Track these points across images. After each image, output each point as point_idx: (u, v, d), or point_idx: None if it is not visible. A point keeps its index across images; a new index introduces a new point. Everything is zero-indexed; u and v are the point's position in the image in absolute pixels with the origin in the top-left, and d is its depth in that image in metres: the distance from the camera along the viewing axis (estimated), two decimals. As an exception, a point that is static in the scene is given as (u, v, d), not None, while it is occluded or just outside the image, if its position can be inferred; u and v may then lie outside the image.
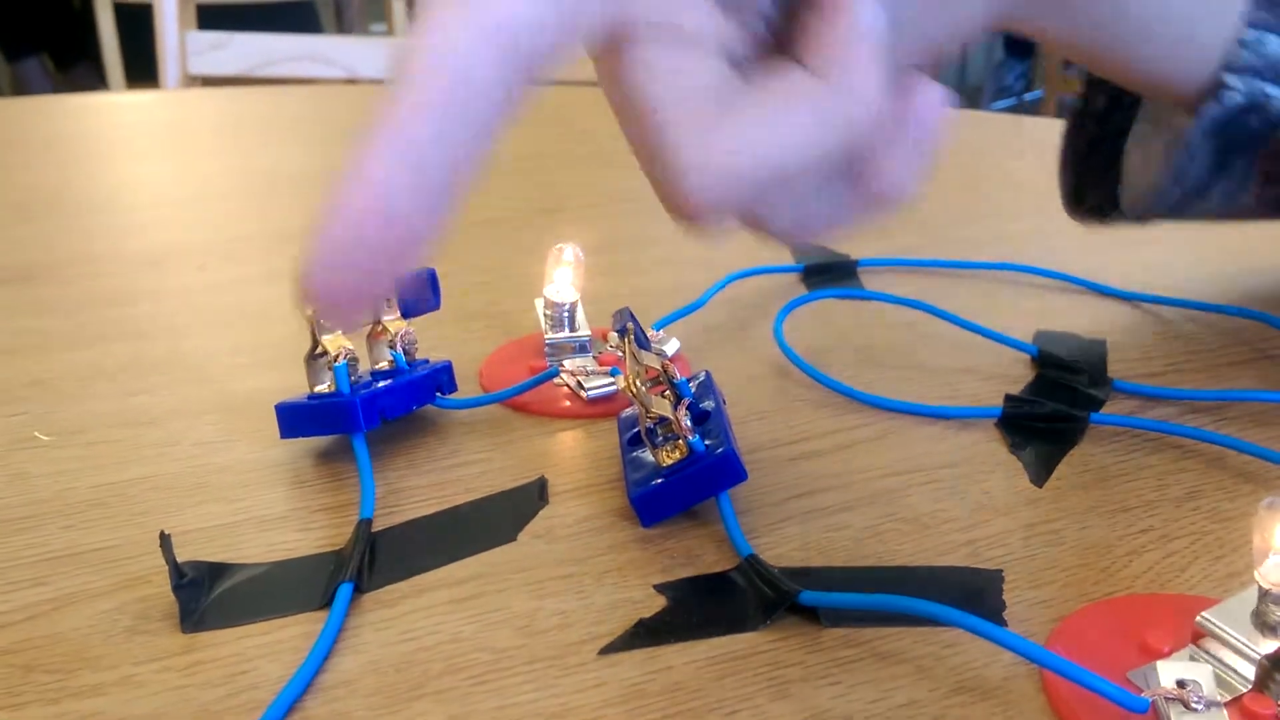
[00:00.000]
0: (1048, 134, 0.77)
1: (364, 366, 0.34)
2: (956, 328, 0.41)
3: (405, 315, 0.34)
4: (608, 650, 0.25)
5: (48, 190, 0.63)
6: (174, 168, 0.69)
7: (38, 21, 2.61)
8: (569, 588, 0.27)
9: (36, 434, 0.34)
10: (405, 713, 0.23)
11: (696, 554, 0.28)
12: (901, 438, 0.34)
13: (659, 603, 0.26)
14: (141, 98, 0.98)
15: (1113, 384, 0.36)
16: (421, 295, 0.34)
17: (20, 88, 2.67)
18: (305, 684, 0.23)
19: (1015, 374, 0.38)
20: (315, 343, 0.32)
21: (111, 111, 0.91)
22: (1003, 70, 4.38)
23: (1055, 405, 0.34)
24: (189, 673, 0.24)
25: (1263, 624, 0.23)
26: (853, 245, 0.50)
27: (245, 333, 0.41)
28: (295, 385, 0.34)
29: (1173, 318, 0.43)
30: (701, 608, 0.26)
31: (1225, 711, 0.21)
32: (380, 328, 0.34)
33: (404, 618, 0.26)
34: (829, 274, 0.46)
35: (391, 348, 0.34)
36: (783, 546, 0.29)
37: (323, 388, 0.32)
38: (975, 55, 4.96)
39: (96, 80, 2.53)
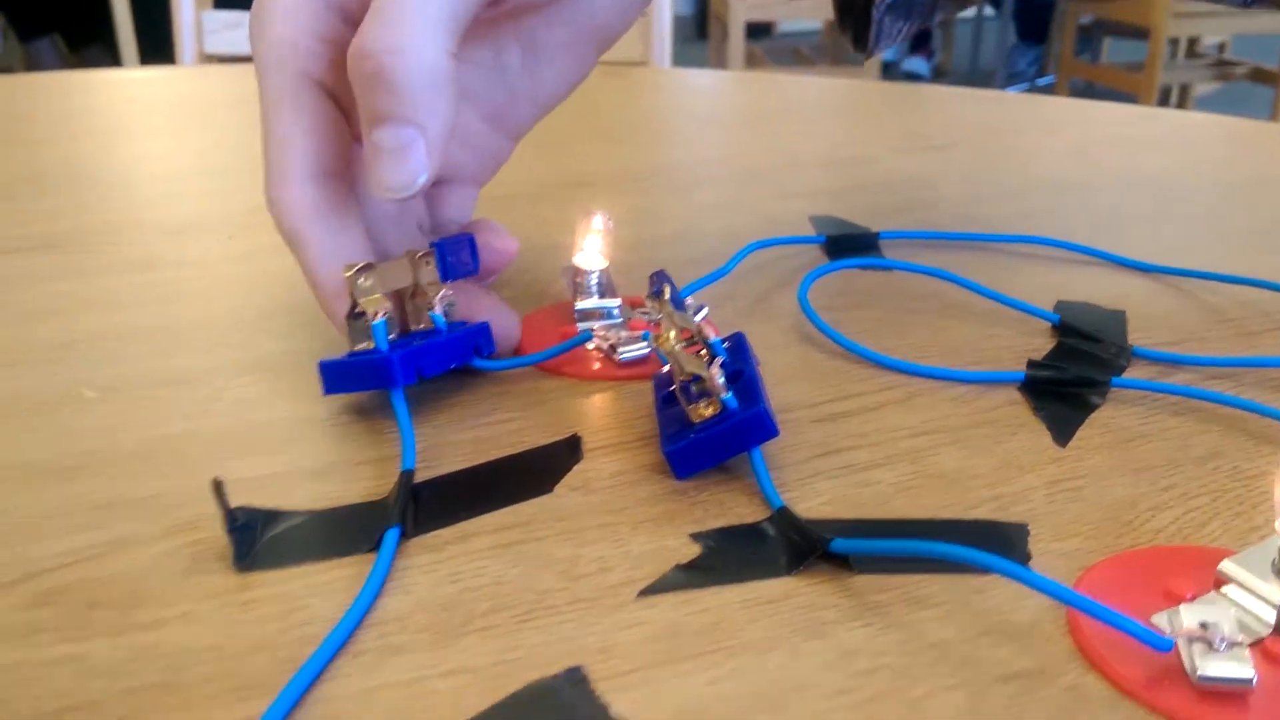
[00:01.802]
0: (1063, 114, 0.78)
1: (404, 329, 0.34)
2: (978, 297, 0.41)
3: (444, 278, 0.34)
4: (647, 592, 0.26)
5: (67, 163, 0.64)
6: (191, 142, 0.70)
7: (51, 1, 2.61)
8: (606, 536, 0.28)
9: (83, 390, 0.35)
10: (454, 647, 0.24)
11: (729, 506, 0.29)
12: (927, 400, 0.35)
13: (694, 550, 0.27)
14: (157, 73, 0.98)
15: (1133, 351, 0.37)
16: (461, 259, 0.35)
17: (33, 67, 2.68)
18: (358, 619, 0.24)
19: (1037, 343, 0.39)
20: (354, 303, 0.33)
21: (127, 87, 0.92)
22: (1015, 55, 4.37)
23: (1078, 370, 0.35)
24: (245, 609, 0.25)
25: (1282, 571, 0.24)
26: (873, 221, 0.51)
27: (274, 297, 0.42)
28: (326, 346, 0.35)
29: (1193, 289, 0.44)
30: (735, 555, 0.27)
31: (1247, 651, 0.22)
32: (420, 290, 0.34)
33: (449, 561, 0.27)
34: (850, 246, 0.47)
35: (431, 310, 0.34)
36: (812, 500, 0.29)
37: (363, 346, 0.33)
38: (987, 40, 4.96)
39: (109, 60, 2.54)
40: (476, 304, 0.36)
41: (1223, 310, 0.42)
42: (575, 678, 0.23)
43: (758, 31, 4.72)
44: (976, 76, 4.50)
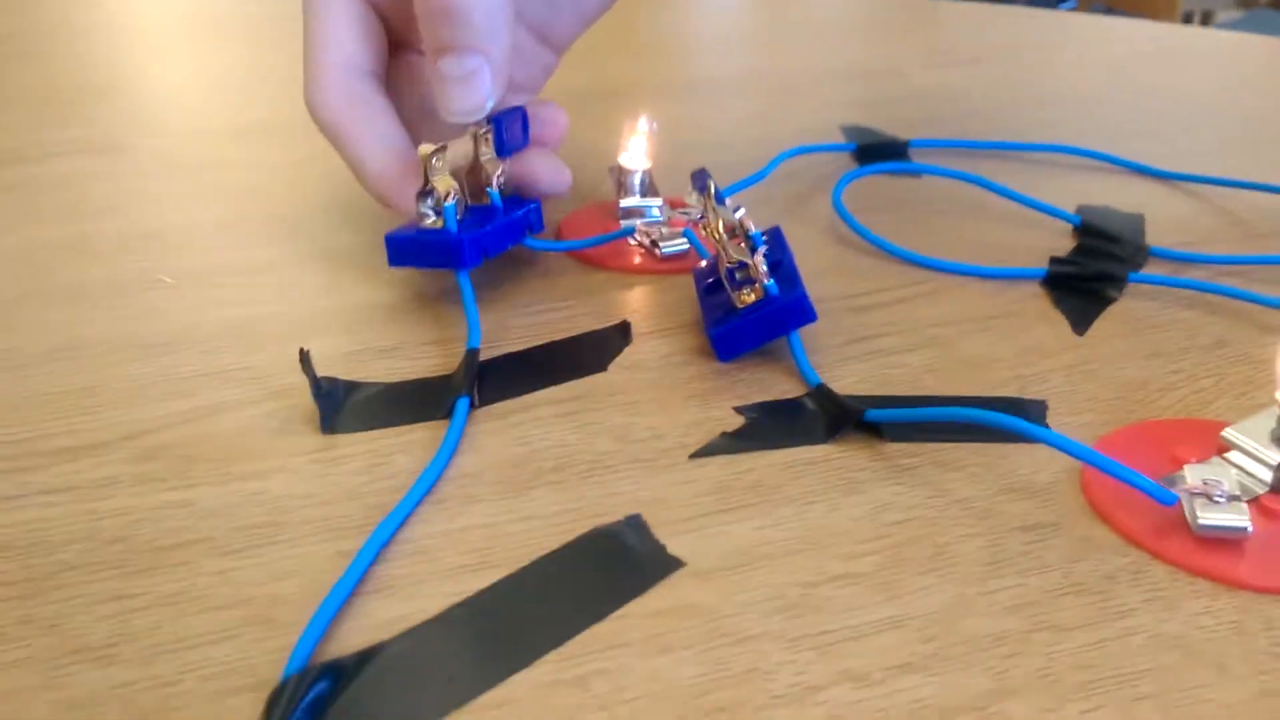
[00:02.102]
0: (1090, 30, 0.79)
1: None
2: (1003, 200, 0.43)
3: (501, 153, 0.36)
4: (697, 455, 0.28)
5: (112, 73, 0.66)
6: (241, 54, 0.72)
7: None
8: (657, 408, 0.30)
9: (161, 277, 0.37)
10: (525, 497, 0.26)
11: (770, 384, 0.31)
12: (954, 294, 0.37)
13: (738, 421, 0.30)
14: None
15: (1149, 250, 0.39)
16: (514, 133, 0.37)
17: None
18: (440, 471, 0.27)
19: (1059, 243, 0.41)
20: (426, 180, 0.34)
21: (157, 2, 0.93)
22: (1038, -20, 4.31)
23: (1097, 267, 0.37)
24: (334, 464, 0.28)
25: (1278, 439, 0.26)
26: (902, 130, 0.52)
27: (333, 195, 0.44)
28: (380, 242, 0.37)
29: (1208, 195, 0.45)
30: (777, 425, 0.30)
31: (1244, 505, 0.24)
32: (478, 165, 0.36)
33: (515, 428, 0.29)
34: (881, 153, 0.49)
35: (488, 186, 0.36)
36: (846, 380, 0.32)
37: (430, 223, 0.35)
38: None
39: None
40: (526, 157, 0.38)
41: (1235, 214, 0.43)
42: (635, 522, 0.26)
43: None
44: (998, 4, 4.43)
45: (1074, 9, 3.73)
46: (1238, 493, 0.25)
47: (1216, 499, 0.24)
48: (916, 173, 0.47)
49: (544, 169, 0.38)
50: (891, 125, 0.54)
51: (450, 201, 0.34)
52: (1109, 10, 3.97)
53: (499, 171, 0.36)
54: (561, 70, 0.42)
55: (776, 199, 0.45)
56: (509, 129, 0.36)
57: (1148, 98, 0.60)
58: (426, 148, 0.34)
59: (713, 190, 0.33)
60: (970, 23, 0.83)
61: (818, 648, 0.22)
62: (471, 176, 0.37)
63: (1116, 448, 0.28)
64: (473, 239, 0.34)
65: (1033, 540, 0.25)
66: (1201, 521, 0.24)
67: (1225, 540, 0.24)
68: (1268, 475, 0.26)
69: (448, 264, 0.34)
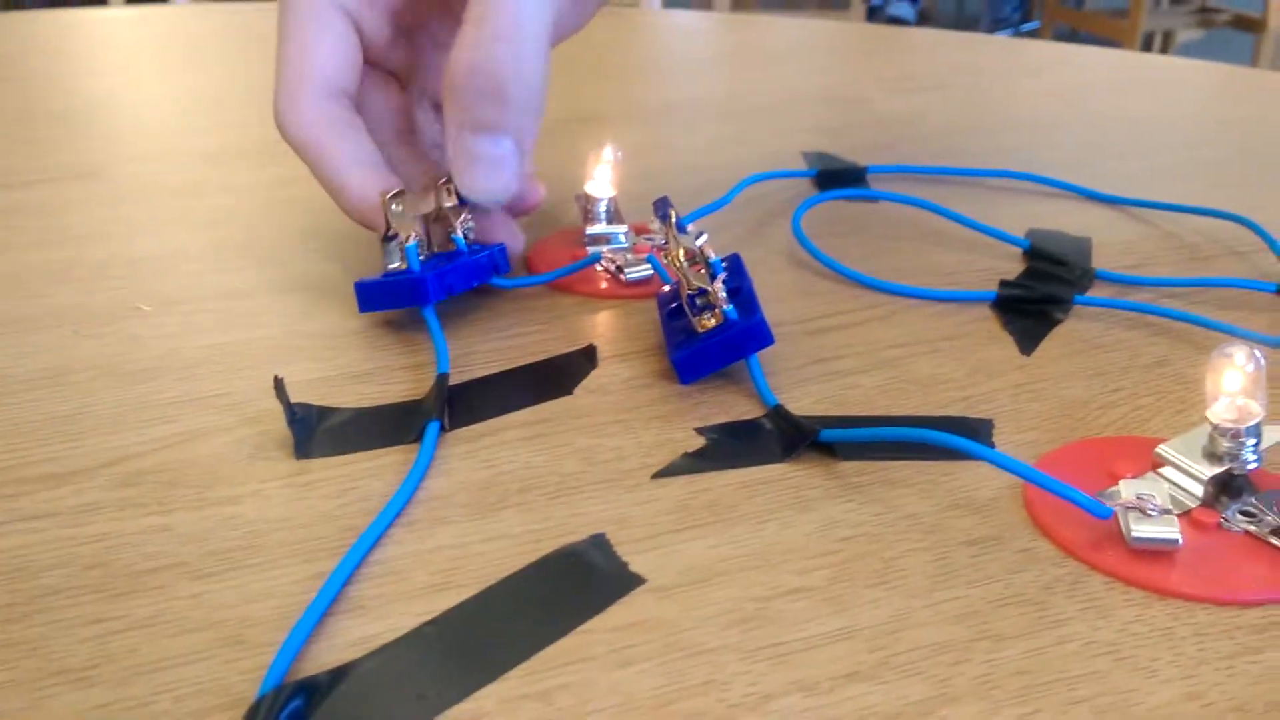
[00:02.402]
0: (1046, 57, 0.81)
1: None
2: (956, 225, 0.45)
3: (464, 202, 0.37)
4: (659, 475, 0.29)
5: (84, 99, 0.66)
6: (208, 77, 0.73)
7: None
8: (621, 430, 0.31)
9: (139, 305, 0.38)
10: (493, 518, 0.27)
11: (729, 406, 0.33)
12: (907, 316, 0.38)
13: (699, 441, 0.31)
14: (147, 11, 1.00)
15: (1095, 273, 0.40)
16: None
17: (13, 5, 2.65)
18: (410, 494, 0.28)
19: (1009, 266, 0.42)
20: (388, 226, 0.36)
21: (118, 25, 0.93)
22: (1000, 1, 4.36)
23: (1045, 289, 0.39)
24: (307, 488, 0.29)
25: (1211, 454, 0.28)
26: (862, 156, 0.54)
27: (312, 221, 0.45)
28: (361, 268, 0.38)
29: (1154, 219, 0.47)
30: (735, 445, 0.31)
31: (1175, 518, 0.26)
32: (442, 214, 0.38)
33: (484, 450, 0.30)
34: (840, 179, 0.50)
35: (452, 232, 0.38)
36: (803, 401, 0.33)
37: (395, 266, 0.36)
38: (975, -15, 4.93)
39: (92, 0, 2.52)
40: (487, 221, 0.39)
41: (1180, 237, 0.45)
42: (599, 541, 0.27)
43: (748, -28, 4.69)
44: (962, 21, 4.49)
45: (1037, 28, 3.79)
46: (1170, 506, 0.26)
47: (1149, 512, 0.26)
48: (873, 198, 0.48)
49: (501, 233, 0.39)
50: (854, 151, 0.55)
51: (412, 242, 0.35)
52: (1073, 31, 4.04)
53: (462, 219, 0.37)
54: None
55: (738, 224, 0.46)
56: None
57: (1102, 123, 0.62)
58: (385, 193, 0.35)
59: (674, 219, 0.35)
60: (930, 50, 0.85)
61: (771, 659, 0.23)
62: (437, 224, 0.38)
63: (1057, 464, 0.29)
64: (436, 276, 0.35)
65: (976, 553, 0.26)
66: (1134, 534, 0.25)
67: (1157, 551, 0.26)
68: (1199, 489, 0.27)
69: (413, 302, 0.35)
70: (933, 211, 0.46)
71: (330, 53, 0.36)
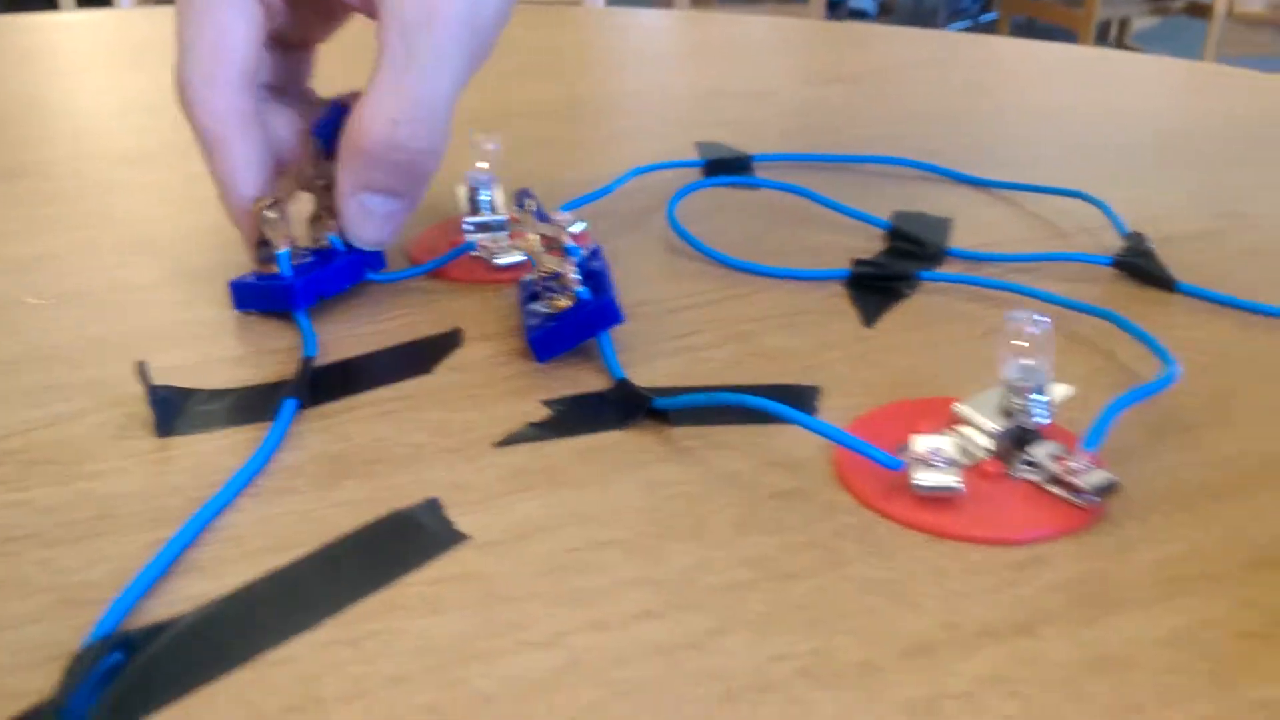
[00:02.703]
0: (968, 50, 0.83)
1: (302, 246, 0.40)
2: (828, 209, 0.47)
3: (328, 156, 0.38)
4: (501, 443, 0.31)
5: (18, 101, 0.68)
6: (136, 80, 0.74)
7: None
8: (474, 405, 0.33)
9: (26, 298, 0.40)
10: (337, 488, 0.29)
11: (580, 380, 0.35)
12: (766, 295, 0.40)
13: (545, 413, 0.33)
14: (97, 15, 1.01)
15: (947, 251, 0.42)
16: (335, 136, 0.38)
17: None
18: (259, 467, 0.30)
19: (873, 246, 0.44)
20: (262, 232, 0.38)
21: (69, 29, 0.95)
22: (958, -7, 4.42)
23: (895, 267, 0.41)
24: (166, 463, 0.30)
25: (1004, 411, 0.30)
26: (761, 145, 0.56)
27: (208, 218, 0.47)
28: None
29: (1019, 200, 0.49)
30: (579, 415, 0.33)
31: (958, 471, 0.28)
32: (319, 214, 0.39)
33: (338, 426, 0.32)
34: (727, 167, 0.52)
35: (329, 232, 0.39)
36: (653, 375, 0.35)
37: (270, 269, 0.38)
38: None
39: (44, 5, 2.52)
40: None
41: (1043, 216, 0.47)
42: (431, 504, 0.28)
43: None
44: (920, 13, 4.53)
45: (995, 19, 3.83)
46: (960, 458, 0.28)
47: (936, 464, 0.28)
48: (754, 185, 0.50)
49: None
50: (752, 139, 0.57)
51: (284, 249, 0.37)
52: (1030, 21, 4.08)
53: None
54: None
55: (626, 211, 0.48)
56: (328, 132, 0.38)
57: (1000, 112, 0.64)
58: (259, 201, 0.37)
59: (530, 207, 0.37)
60: (862, 44, 0.87)
61: (572, 603, 0.25)
62: (315, 225, 0.39)
63: (868, 424, 0.31)
64: (306, 283, 0.37)
65: (780, 507, 0.28)
66: (917, 483, 0.27)
67: (942, 499, 0.28)
68: (988, 443, 0.29)
69: (285, 307, 0.37)
70: (805, 197, 0.48)
71: (248, 39, 0.35)
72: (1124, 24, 3.91)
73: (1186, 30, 3.37)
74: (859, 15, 4.45)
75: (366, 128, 0.34)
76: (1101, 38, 3.77)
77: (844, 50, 0.84)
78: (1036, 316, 0.29)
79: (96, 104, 0.69)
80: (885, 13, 4.58)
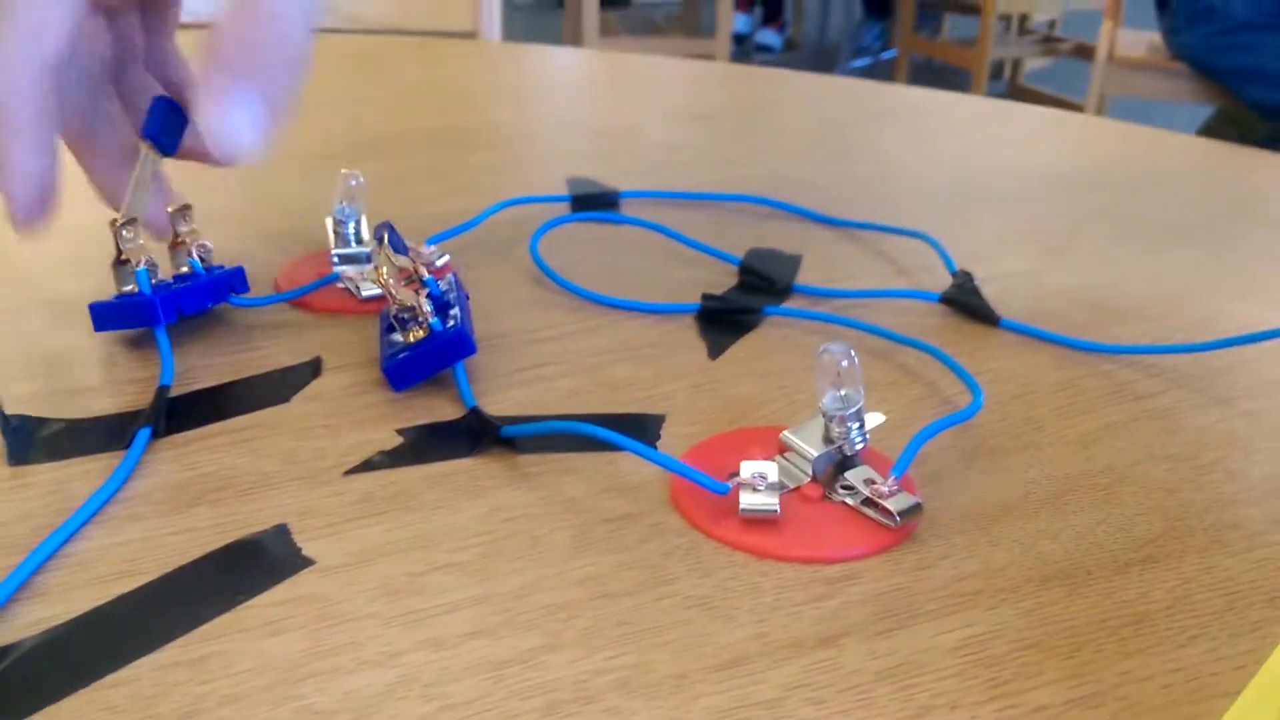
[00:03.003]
0: (802, 88, 0.87)
1: (166, 273, 0.40)
2: (684, 245, 0.49)
3: (167, 153, 0.39)
4: (351, 471, 0.32)
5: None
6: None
7: None
8: (328, 433, 0.34)
9: (-120, 328, 0.40)
10: (185, 515, 0.30)
11: (435, 409, 0.36)
12: (618, 328, 0.42)
13: (397, 441, 0.34)
14: None
15: (793, 287, 0.45)
16: (168, 131, 0.39)
17: None
18: (109, 495, 0.30)
19: (726, 281, 0.47)
20: (119, 250, 0.38)
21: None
22: (861, 30, 4.55)
23: (742, 301, 0.43)
24: (16, 491, 0.31)
25: (825, 438, 0.32)
26: (624, 182, 0.58)
27: (73, 246, 0.47)
28: (111, 290, 0.40)
29: (869, 239, 0.52)
30: (430, 443, 0.34)
31: (778, 493, 0.30)
32: (179, 239, 0.40)
33: (190, 455, 0.33)
34: (593, 203, 0.54)
35: (189, 256, 0.40)
36: (506, 404, 0.36)
37: (129, 289, 0.39)
38: (835, 15, 5.12)
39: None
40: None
41: (889, 255, 0.50)
42: (280, 531, 0.30)
43: (615, 1, 4.79)
44: (824, 49, 4.66)
45: (894, 57, 3.96)
46: (783, 482, 0.31)
47: (758, 488, 0.30)
48: (616, 221, 0.52)
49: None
50: (624, 176, 0.59)
51: (141, 267, 0.38)
52: (928, 60, 4.23)
53: (197, 243, 0.40)
54: (315, 119, 0.46)
55: (493, 243, 0.50)
56: (159, 129, 0.39)
57: (852, 154, 0.68)
58: (114, 221, 0.37)
59: (386, 240, 0.38)
60: (724, 83, 0.90)
61: (408, 623, 0.26)
62: (175, 249, 0.40)
63: (702, 452, 0.33)
64: (165, 298, 0.38)
65: (614, 529, 0.30)
66: (741, 506, 0.30)
67: (763, 520, 0.30)
68: (808, 468, 0.31)
69: (145, 323, 0.38)
70: (664, 233, 0.50)
71: (71, 27, 0.34)
72: (1017, 64, 4.08)
73: (1075, 71, 3.53)
74: (764, 50, 4.56)
75: (227, 31, 0.32)
76: (996, 77, 3.92)
77: (700, 89, 0.87)
78: (850, 350, 0.31)
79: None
80: (790, 48, 4.69)
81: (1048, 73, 4.27)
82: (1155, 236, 0.54)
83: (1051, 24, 4.23)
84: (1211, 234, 0.55)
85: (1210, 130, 2.02)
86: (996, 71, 4.03)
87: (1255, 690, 0.25)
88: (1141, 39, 2.37)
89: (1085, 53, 3.58)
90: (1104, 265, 0.50)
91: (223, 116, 0.32)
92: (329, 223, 0.45)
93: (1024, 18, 4.07)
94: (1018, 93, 3.71)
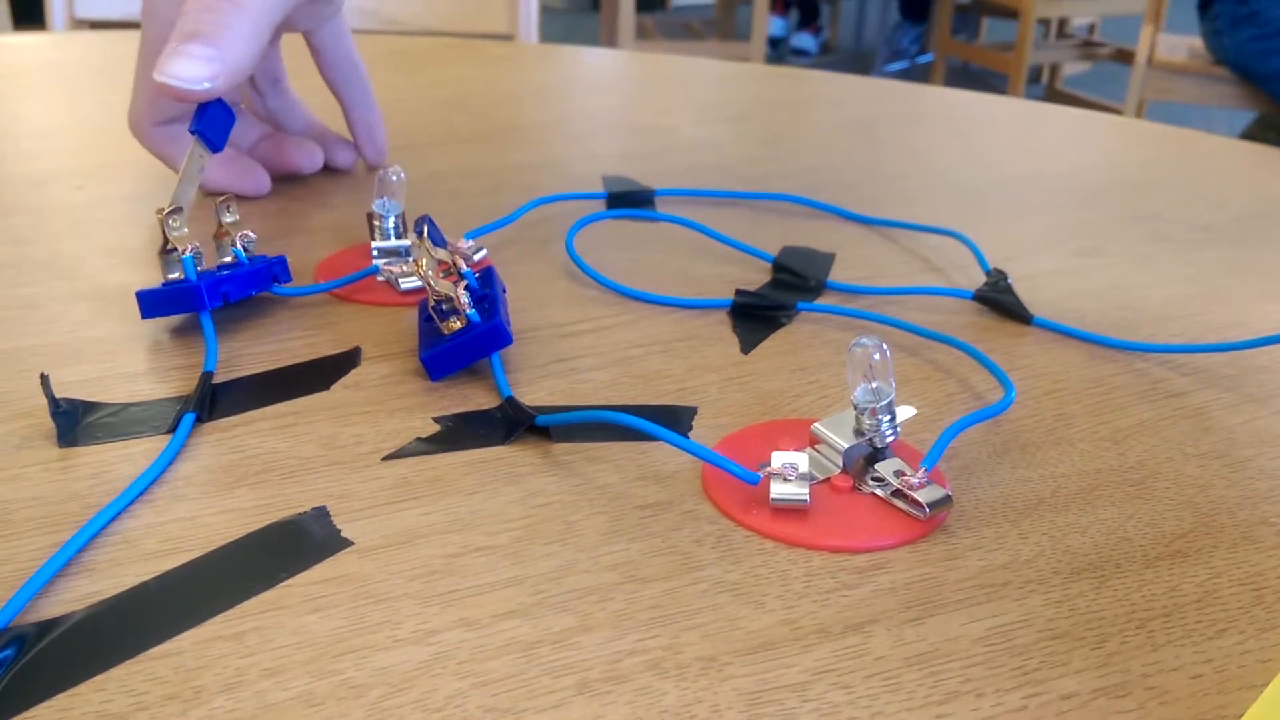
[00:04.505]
0: (835, 89, 0.87)
1: (210, 263, 0.41)
2: (719, 243, 0.50)
3: (215, 149, 0.41)
4: (389, 457, 0.33)
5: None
6: (55, 103, 0.75)
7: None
8: (366, 420, 0.35)
9: (-65, 314, 0.41)
10: (228, 496, 0.31)
11: (470, 398, 0.37)
12: (652, 322, 0.43)
13: (434, 428, 0.35)
14: (28, 39, 1.01)
15: (826, 283, 0.45)
16: (218, 132, 0.41)
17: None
18: (155, 476, 0.31)
19: (759, 279, 0.47)
20: (166, 240, 0.39)
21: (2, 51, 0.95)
22: (897, 34, 4.53)
23: (776, 297, 0.43)
24: (64, 472, 0.32)
25: (856, 431, 0.32)
26: (659, 180, 0.59)
27: (114, 239, 0.48)
28: (155, 279, 0.41)
29: (898, 237, 0.52)
30: (466, 431, 0.35)
31: (809, 484, 0.30)
32: (223, 229, 0.41)
33: (233, 439, 0.34)
34: (629, 201, 0.55)
35: (234, 246, 0.41)
36: (539, 394, 0.37)
37: (174, 277, 0.40)
38: (871, 19, 5.10)
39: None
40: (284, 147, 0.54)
41: (919, 253, 0.51)
42: (319, 512, 0.30)
43: (651, 4, 4.80)
44: (861, 53, 4.65)
45: (931, 61, 3.94)
46: (813, 473, 0.31)
47: (789, 478, 0.30)
48: (653, 219, 0.53)
49: (297, 154, 0.54)
50: (661, 175, 0.60)
51: (188, 254, 0.39)
52: (965, 64, 4.21)
53: (241, 233, 0.41)
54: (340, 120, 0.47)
55: (529, 240, 0.51)
56: (210, 129, 0.41)
57: (884, 151, 0.68)
58: (160, 210, 0.38)
59: (426, 233, 0.39)
60: (757, 85, 0.91)
61: (444, 603, 0.27)
62: (220, 239, 0.41)
63: (734, 443, 0.34)
64: (211, 284, 0.39)
65: (646, 515, 0.31)
66: (772, 496, 0.30)
67: (794, 510, 0.30)
68: (839, 459, 0.32)
69: (191, 307, 0.39)
70: (699, 231, 0.50)
71: None
72: (1055, 69, 4.04)
73: (1115, 77, 3.49)
74: (800, 54, 4.55)
75: None
76: (1033, 82, 3.90)
77: (733, 90, 0.88)
78: (882, 344, 0.31)
79: (16, 126, 0.69)
80: (826, 52, 4.68)
81: (1086, 78, 4.24)
82: (1189, 237, 0.54)
83: (1091, 28, 4.20)
84: (1245, 235, 0.55)
85: (1250, 135, 2.00)
86: (1034, 76, 4.00)
87: (1283, 682, 0.25)
88: (1182, 44, 2.35)
89: (1124, 57, 3.54)
90: (1137, 265, 0.50)
91: (175, 61, 0.40)
92: (369, 217, 0.46)
93: (1064, 22, 4.04)
94: (1055, 97, 3.68)
